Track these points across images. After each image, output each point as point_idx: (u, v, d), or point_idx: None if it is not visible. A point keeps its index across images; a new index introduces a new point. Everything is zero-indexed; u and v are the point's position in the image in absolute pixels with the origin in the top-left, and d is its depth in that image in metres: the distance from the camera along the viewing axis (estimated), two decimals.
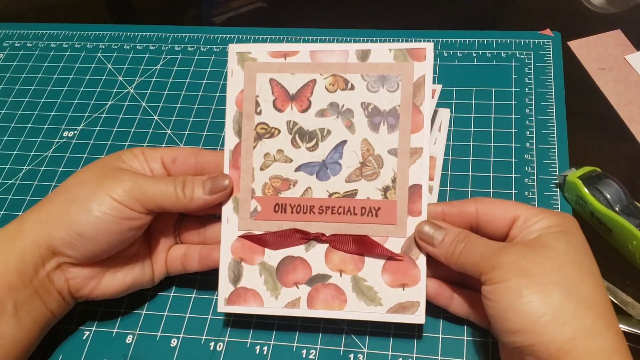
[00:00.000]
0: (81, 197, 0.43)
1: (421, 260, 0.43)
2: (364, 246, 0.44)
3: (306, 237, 0.45)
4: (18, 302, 0.42)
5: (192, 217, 0.48)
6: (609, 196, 0.46)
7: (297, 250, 0.45)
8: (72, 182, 0.45)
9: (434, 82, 0.60)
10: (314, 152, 0.45)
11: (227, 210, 0.45)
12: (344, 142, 0.45)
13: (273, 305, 0.44)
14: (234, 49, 0.46)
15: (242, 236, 0.45)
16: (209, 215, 0.48)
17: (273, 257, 0.45)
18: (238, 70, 0.46)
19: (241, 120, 0.46)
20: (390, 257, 0.44)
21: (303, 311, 0.44)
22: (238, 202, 0.45)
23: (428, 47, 0.44)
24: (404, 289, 0.43)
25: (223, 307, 0.45)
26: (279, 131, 0.45)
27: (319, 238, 0.44)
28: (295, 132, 0.45)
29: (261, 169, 0.45)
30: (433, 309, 0.46)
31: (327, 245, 0.44)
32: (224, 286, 0.45)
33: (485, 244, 0.41)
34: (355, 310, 0.43)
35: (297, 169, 0.45)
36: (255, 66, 0.46)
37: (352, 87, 0.45)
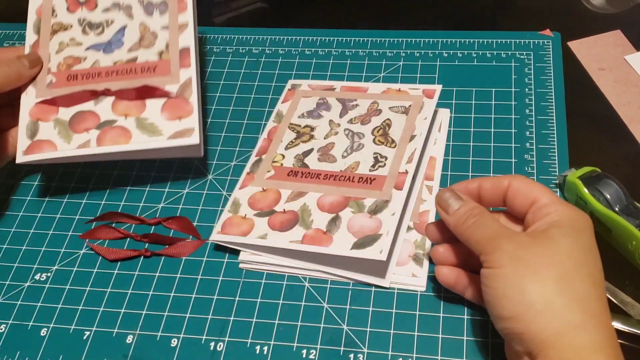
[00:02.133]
0: None
1: (193, 98, 0.53)
2: (146, 92, 0.54)
3: (95, 94, 0.54)
4: None
5: None
6: (608, 196, 0.46)
7: (87, 106, 0.54)
8: None
9: (433, 83, 0.61)
10: (101, 36, 0.57)
11: (25, 85, 0.55)
12: (125, 26, 0.57)
13: (66, 149, 0.52)
14: None
15: (39, 102, 0.54)
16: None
17: (66, 113, 0.54)
18: None
19: (40, 24, 0.58)
20: (168, 97, 0.53)
21: (93, 149, 0.52)
22: (35, 78, 0.55)
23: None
24: (180, 120, 0.52)
25: (21, 158, 0.52)
26: (72, 26, 0.58)
27: (105, 93, 0.54)
28: (85, 24, 0.58)
29: (56, 53, 0.56)
30: (433, 308, 0.46)
31: (113, 98, 0.54)
32: (22, 141, 0.53)
33: (495, 225, 0.41)
34: (139, 141, 0.52)
35: (87, 49, 0.57)
36: None
37: None
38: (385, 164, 0.52)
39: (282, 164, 0.54)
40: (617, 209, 0.46)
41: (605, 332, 0.37)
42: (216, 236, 0.50)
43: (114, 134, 0.52)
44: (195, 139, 0.51)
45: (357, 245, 0.47)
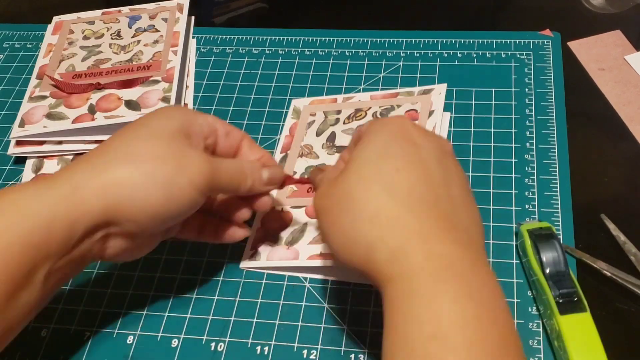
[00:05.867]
0: (163, 176, 0.40)
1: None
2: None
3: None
4: (51, 270, 0.39)
5: None
6: (544, 258, 0.44)
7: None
8: (142, 149, 0.40)
9: (433, 83, 0.61)
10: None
11: None
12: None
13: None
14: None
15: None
16: None
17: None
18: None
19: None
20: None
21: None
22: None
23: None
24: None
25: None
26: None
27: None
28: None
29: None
30: None
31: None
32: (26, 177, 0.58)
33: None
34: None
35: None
36: None
37: None
38: None
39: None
40: (547, 271, 0.44)
41: (423, 214, 0.36)
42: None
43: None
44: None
45: None
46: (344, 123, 0.57)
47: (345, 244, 0.37)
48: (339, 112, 0.58)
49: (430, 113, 0.54)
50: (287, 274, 0.50)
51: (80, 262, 0.41)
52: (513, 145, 0.55)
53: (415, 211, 0.36)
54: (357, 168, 0.38)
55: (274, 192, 0.53)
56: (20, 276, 0.37)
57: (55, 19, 0.69)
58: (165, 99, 0.59)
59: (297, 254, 0.49)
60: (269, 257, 0.50)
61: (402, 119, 0.40)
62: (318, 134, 0.57)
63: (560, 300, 0.43)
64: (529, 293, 0.47)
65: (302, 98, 0.61)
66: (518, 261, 0.49)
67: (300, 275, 0.50)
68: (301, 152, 0.56)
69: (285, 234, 0.51)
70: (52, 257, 0.38)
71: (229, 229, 0.48)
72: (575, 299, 0.43)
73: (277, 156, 0.56)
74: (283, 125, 0.59)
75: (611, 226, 0.49)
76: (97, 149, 0.42)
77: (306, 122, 0.58)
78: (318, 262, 0.48)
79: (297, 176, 0.54)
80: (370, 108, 0.57)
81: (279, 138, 0.58)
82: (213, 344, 0.47)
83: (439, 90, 0.55)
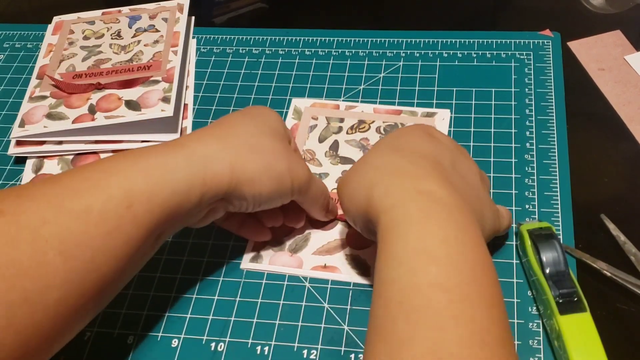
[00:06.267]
0: (277, 172, 0.45)
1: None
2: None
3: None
4: (172, 230, 0.44)
5: None
6: (544, 258, 0.44)
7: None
8: (265, 142, 0.45)
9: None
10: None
11: None
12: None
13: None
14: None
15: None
16: None
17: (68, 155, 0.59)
18: None
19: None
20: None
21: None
22: None
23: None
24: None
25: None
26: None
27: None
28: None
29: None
30: None
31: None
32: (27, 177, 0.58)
33: None
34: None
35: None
36: None
37: None
38: None
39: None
40: (547, 271, 0.44)
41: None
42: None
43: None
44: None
45: None
46: (347, 133, 0.57)
47: (352, 192, 0.42)
48: (341, 120, 0.58)
49: None
50: (289, 273, 0.50)
51: (186, 224, 0.46)
52: (513, 145, 0.55)
53: (415, 162, 0.41)
54: (373, 147, 0.45)
55: None
56: (154, 237, 0.42)
57: (56, 19, 0.69)
58: (166, 99, 0.59)
59: (301, 263, 0.50)
60: (271, 262, 0.50)
61: (427, 124, 0.44)
62: (321, 140, 0.57)
63: (560, 300, 0.43)
64: (529, 293, 0.47)
65: (302, 98, 0.61)
66: (518, 261, 0.49)
67: (300, 275, 0.50)
68: (304, 156, 0.56)
69: (288, 241, 0.51)
70: (179, 221, 0.43)
71: (262, 230, 0.51)
72: (575, 299, 0.43)
73: None
74: None
75: (611, 226, 0.49)
76: (219, 128, 0.46)
77: (308, 125, 0.58)
78: (323, 274, 0.49)
79: None
80: (373, 122, 0.58)
81: None
82: (213, 344, 0.47)
83: (442, 116, 0.57)
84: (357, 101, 0.60)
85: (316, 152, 0.56)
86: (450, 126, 0.57)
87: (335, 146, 0.56)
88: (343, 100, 0.60)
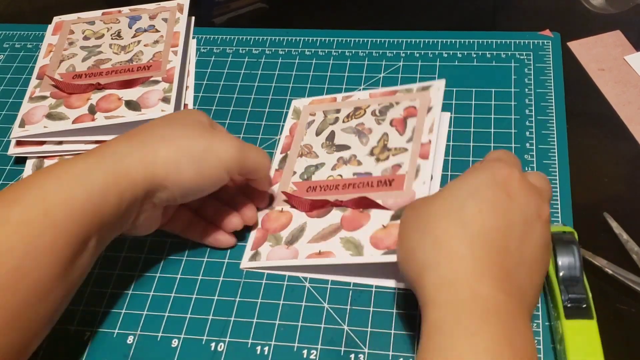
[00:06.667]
0: (195, 152, 0.44)
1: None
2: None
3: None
4: (102, 236, 0.43)
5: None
6: (559, 261, 0.44)
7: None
8: (178, 127, 0.45)
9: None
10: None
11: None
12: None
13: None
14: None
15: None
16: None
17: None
18: None
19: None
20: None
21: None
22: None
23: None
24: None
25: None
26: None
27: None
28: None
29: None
30: None
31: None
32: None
33: None
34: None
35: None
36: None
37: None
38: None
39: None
40: (560, 274, 0.44)
41: (480, 259, 0.37)
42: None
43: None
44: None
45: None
46: (343, 122, 0.57)
47: (407, 256, 0.40)
48: (338, 111, 0.58)
49: (429, 109, 0.54)
50: (288, 273, 0.50)
51: (119, 230, 0.45)
52: (513, 145, 0.55)
53: (476, 251, 0.37)
54: (445, 197, 0.40)
55: (275, 190, 0.54)
56: (79, 242, 0.41)
57: (56, 19, 0.69)
58: (166, 99, 0.59)
59: (297, 253, 0.49)
60: (269, 257, 0.50)
61: (512, 169, 0.40)
62: (317, 134, 0.57)
63: (568, 305, 0.43)
64: None
65: (302, 98, 0.61)
66: None
67: (300, 275, 0.50)
68: (301, 152, 0.56)
69: (285, 233, 0.51)
70: (105, 225, 0.43)
71: (215, 233, 0.51)
72: (584, 305, 0.43)
73: (277, 156, 0.56)
74: (283, 125, 0.59)
75: (614, 224, 0.50)
76: (132, 132, 0.46)
77: (306, 122, 0.58)
78: (317, 261, 0.48)
79: (297, 175, 0.54)
80: (369, 106, 0.57)
81: (279, 138, 0.58)
82: (213, 344, 0.47)
83: (438, 87, 0.55)
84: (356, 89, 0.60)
85: (313, 145, 0.56)
86: (450, 126, 0.57)
87: (331, 137, 0.56)
88: (340, 94, 0.60)
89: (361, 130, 0.55)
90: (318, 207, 0.51)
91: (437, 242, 0.38)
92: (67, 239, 0.40)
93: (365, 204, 0.50)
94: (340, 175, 0.53)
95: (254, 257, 0.51)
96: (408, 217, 0.42)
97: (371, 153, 0.53)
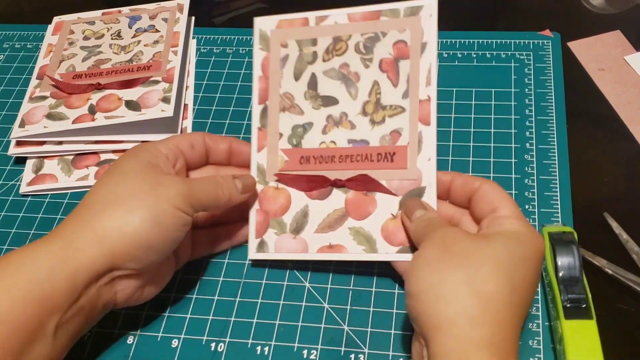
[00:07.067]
0: (142, 207, 0.42)
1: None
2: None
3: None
4: (60, 322, 0.40)
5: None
6: (559, 261, 0.44)
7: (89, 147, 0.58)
8: (120, 191, 0.43)
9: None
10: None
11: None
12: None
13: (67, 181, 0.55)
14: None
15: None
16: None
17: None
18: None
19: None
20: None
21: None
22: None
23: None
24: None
25: (24, 189, 0.57)
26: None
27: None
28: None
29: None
30: None
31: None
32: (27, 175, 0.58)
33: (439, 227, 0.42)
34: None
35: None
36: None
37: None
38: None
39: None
40: (560, 274, 0.44)
41: (501, 330, 0.36)
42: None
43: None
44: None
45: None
46: (323, 60, 0.50)
47: (420, 315, 0.38)
48: (314, 42, 0.50)
49: (423, 46, 0.48)
50: (295, 259, 0.49)
51: (91, 312, 0.43)
52: (513, 145, 0.55)
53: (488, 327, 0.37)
54: (471, 273, 0.38)
55: (264, 164, 0.50)
56: (30, 330, 0.39)
57: (56, 19, 0.69)
58: (166, 99, 0.59)
59: (306, 246, 0.48)
60: (276, 248, 0.49)
61: (542, 246, 0.40)
62: (296, 77, 0.50)
63: (568, 305, 0.43)
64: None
65: (266, 17, 0.53)
66: None
67: (308, 259, 0.49)
68: (282, 104, 0.50)
69: (288, 219, 0.49)
70: (60, 309, 0.40)
71: (241, 228, 0.51)
72: (584, 305, 0.43)
73: (256, 108, 0.51)
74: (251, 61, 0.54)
75: (614, 224, 0.50)
76: (82, 202, 0.44)
77: (279, 57, 0.51)
78: (329, 256, 0.48)
79: (284, 139, 0.50)
80: (350, 37, 0.50)
81: (252, 79, 0.52)
82: (213, 344, 0.47)
83: (429, 11, 0.49)
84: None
85: (294, 95, 0.50)
86: (450, 127, 0.57)
87: (313, 83, 0.50)
88: (312, 12, 0.51)
89: (347, 76, 0.49)
90: (316, 187, 0.49)
91: (483, 297, 0.37)
92: (11, 330, 0.38)
93: (368, 185, 0.47)
94: (334, 143, 0.49)
95: (261, 247, 0.49)
96: (421, 280, 0.39)
97: (364, 112, 0.49)
